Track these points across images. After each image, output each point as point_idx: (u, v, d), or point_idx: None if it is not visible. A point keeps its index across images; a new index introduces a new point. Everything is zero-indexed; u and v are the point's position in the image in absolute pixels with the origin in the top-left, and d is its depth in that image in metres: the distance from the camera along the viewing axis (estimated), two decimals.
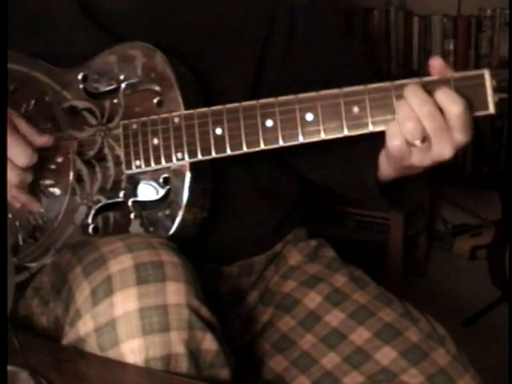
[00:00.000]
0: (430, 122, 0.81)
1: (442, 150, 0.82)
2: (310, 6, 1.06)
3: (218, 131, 0.89)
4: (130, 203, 0.94)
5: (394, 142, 0.83)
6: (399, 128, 0.82)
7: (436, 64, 0.83)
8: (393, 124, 0.83)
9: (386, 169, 0.91)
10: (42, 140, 0.94)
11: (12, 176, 0.90)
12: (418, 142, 0.82)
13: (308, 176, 1.10)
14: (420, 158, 0.84)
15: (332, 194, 1.13)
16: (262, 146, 0.89)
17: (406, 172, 0.90)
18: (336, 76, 1.03)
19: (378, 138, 0.88)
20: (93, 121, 0.96)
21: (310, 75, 1.04)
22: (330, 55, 1.06)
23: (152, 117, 0.92)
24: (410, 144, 0.83)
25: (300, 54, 1.05)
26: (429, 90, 0.82)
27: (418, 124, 0.81)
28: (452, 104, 0.81)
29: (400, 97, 0.83)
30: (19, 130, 0.92)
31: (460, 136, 0.82)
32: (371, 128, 0.85)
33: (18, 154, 0.90)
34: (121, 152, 0.94)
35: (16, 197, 0.95)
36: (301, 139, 0.87)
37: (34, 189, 0.98)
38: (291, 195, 1.13)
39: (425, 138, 0.82)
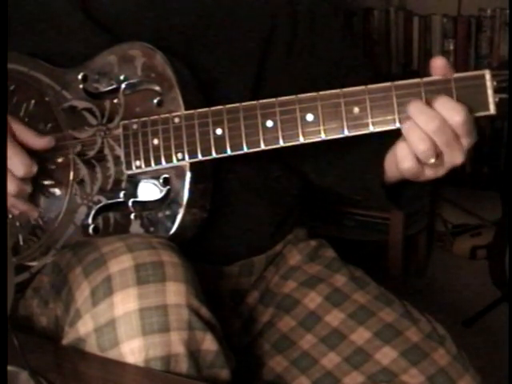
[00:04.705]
0: (441, 137, 0.81)
1: (454, 158, 0.84)
2: (311, 5, 1.06)
3: (219, 131, 0.89)
4: (130, 203, 0.94)
5: (405, 165, 0.83)
6: (409, 150, 0.82)
7: (438, 64, 0.82)
8: (402, 147, 0.83)
9: (393, 172, 0.91)
10: (43, 143, 0.94)
11: (10, 186, 0.90)
12: (432, 160, 0.82)
13: (314, 180, 1.10)
14: (434, 172, 0.85)
15: (332, 194, 1.13)
16: (263, 147, 0.88)
17: (416, 179, 0.89)
18: (338, 76, 1.03)
19: (384, 141, 0.88)
20: (93, 121, 0.96)
21: (311, 75, 1.04)
22: (332, 55, 1.06)
23: (152, 117, 0.92)
24: (423, 163, 0.83)
25: (301, 55, 1.05)
26: (429, 100, 0.82)
27: (431, 144, 0.81)
28: (454, 114, 0.81)
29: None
30: (18, 138, 0.91)
31: (467, 140, 0.83)
32: (372, 128, 0.85)
33: (17, 165, 0.89)
34: (121, 152, 0.94)
35: (14, 205, 0.95)
36: (301, 139, 0.87)
37: (34, 189, 0.97)
38: (291, 195, 1.13)
39: (438, 154, 0.82)
